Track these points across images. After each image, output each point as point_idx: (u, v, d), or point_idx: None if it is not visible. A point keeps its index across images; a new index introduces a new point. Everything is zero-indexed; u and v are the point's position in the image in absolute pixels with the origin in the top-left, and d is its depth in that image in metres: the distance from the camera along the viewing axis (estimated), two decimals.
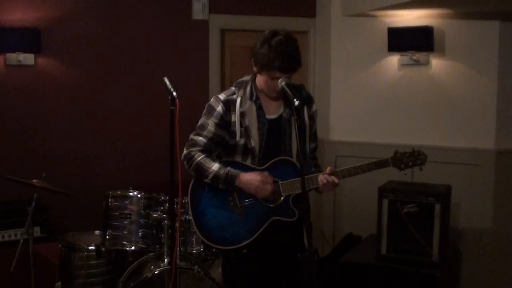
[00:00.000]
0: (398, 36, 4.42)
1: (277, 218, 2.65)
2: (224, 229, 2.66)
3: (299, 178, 2.57)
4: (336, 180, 2.64)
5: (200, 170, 2.65)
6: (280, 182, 2.66)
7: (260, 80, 2.65)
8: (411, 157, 2.69)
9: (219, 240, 2.67)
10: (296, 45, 2.59)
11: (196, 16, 4.86)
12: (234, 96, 2.66)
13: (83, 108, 4.63)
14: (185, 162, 2.68)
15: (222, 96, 2.68)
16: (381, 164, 2.68)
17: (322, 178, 2.64)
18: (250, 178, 2.61)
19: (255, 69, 2.65)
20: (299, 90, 2.68)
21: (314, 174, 2.68)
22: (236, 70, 4.91)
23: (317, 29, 5.07)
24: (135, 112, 4.74)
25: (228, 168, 2.62)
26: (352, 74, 4.76)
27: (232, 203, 2.67)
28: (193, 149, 2.67)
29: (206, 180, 2.65)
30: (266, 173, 2.63)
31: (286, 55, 2.53)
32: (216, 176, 2.61)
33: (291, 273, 2.74)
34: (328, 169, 2.66)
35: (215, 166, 2.62)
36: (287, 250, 2.74)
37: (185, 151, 2.69)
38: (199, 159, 2.65)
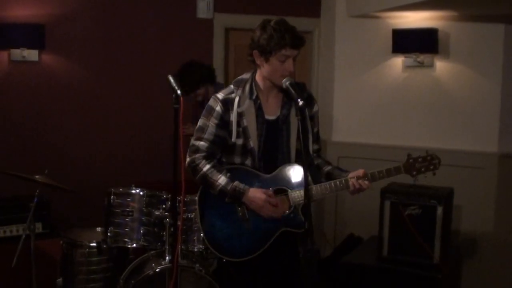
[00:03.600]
0: (403, 37, 4.42)
1: (286, 229, 2.58)
2: (233, 240, 2.59)
3: (309, 187, 2.51)
4: (369, 185, 2.55)
5: (207, 182, 2.58)
6: (289, 191, 2.59)
7: (266, 71, 2.55)
8: (424, 162, 2.57)
9: (227, 251, 2.61)
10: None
11: (201, 14, 4.86)
12: (233, 95, 2.59)
13: (86, 104, 4.63)
14: (189, 170, 2.60)
15: (220, 96, 2.60)
16: (393, 171, 2.55)
17: (354, 182, 2.54)
18: (254, 197, 2.54)
19: (258, 61, 2.56)
20: (302, 90, 2.59)
21: (344, 178, 2.58)
22: (240, 69, 4.89)
23: (321, 30, 5.06)
24: (139, 109, 4.74)
25: (236, 183, 2.54)
26: (356, 75, 4.76)
27: (240, 214, 2.59)
28: (196, 155, 2.58)
29: (212, 192, 2.59)
30: (270, 193, 2.55)
31: (291, 30, 2.49)
32: (223, 191, 2.54)
33: (292, 279, 2.67)
34: (361, 172, 2.56)
35: (221, 179, 2.54)
36: (289, 255, 2.67)
37: (188, 159, 2.59)
38: (204, 169, 2.56)
